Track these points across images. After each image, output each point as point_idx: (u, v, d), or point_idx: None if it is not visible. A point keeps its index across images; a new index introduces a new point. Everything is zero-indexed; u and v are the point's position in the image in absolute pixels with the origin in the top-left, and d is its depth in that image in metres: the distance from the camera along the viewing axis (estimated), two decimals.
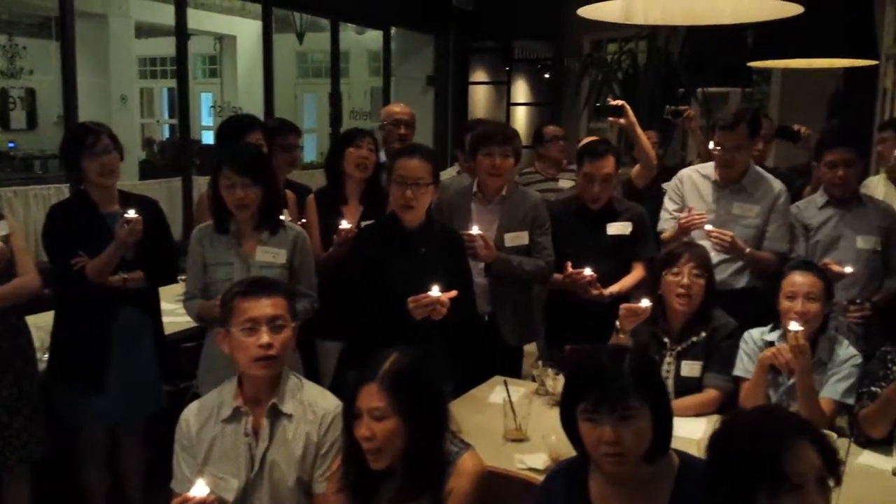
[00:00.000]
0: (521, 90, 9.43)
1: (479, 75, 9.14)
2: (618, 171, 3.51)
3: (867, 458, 2.44)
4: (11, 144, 9.38)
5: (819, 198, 3.51)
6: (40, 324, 3.19)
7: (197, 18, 9.15)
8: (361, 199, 3.53)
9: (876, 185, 3.88)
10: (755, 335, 2.82)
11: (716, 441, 1.57)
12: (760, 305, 2.96)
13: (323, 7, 7.41)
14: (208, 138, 10.27)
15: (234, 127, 3.57)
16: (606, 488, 1.80)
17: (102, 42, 8.74)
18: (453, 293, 2.68)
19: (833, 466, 1.51)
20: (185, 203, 5.88)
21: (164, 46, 9.93)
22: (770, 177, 3.54)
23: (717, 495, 1.53)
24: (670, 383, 2.81)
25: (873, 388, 2.55)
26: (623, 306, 2.83)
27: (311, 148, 10.97)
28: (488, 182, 3.31)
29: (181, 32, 5.90)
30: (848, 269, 3.23)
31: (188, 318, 3.04)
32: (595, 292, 3.31)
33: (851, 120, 6.00)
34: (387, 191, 3.09)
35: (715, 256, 3.20)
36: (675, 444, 1.81)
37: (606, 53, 7.82)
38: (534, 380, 3.04)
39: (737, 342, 2.84)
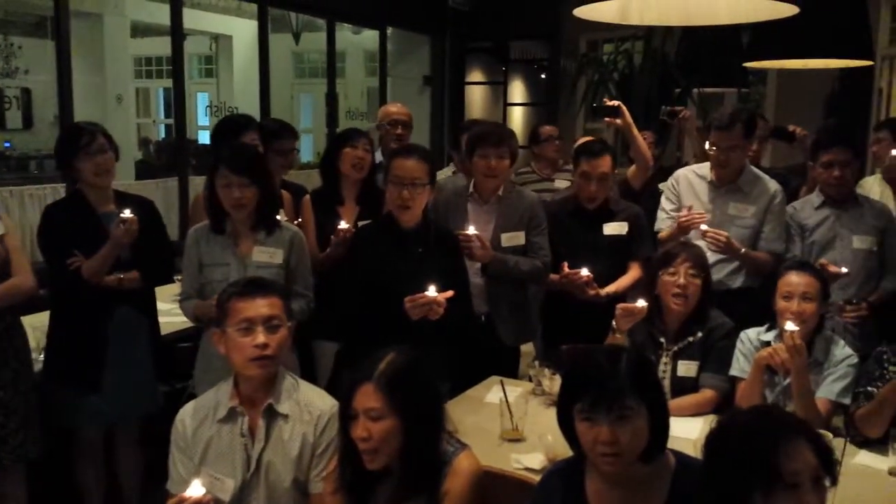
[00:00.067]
0: (517, 90, 9.44)
1: (476, 75, 9.14)
2: (614, 171, 3.51)
3: (863, 458, 2.45)
4: (7, 144, 9.36)
5: (815, 198, 3.52)
6: (36, 324, 3.19)
7: (193, 18, 9.14)
8: (357, 200, 3.53)
9: (871, 186, 3.89)
10: (751, 335, 2.83)
11: (712, 441, 1.58)
12: (757, 305, 2.97)
13: (319, 7, 7.40)
14: (204, 138, 10.24)
15: (229, 127, 3.57)
16: (603, 488, 1.80)
17: (98, 42, 8.72)
18: (450, 293, 2.68)
19: (829, 466, 1.51)
20: (182, 203, 5.87)
21: (160, 46, 9.92)
22: (766, 177, 3.54)
23: (713, 495, 1.53)
24: (667, 383, 2.82)
25: (869, 388, 2.56)
26: (619, 306, 2.83)
27: (308, 148, 10.96)
28: (484, 183, 3.31)
29: (177, 32, 5.89)
30: (844, 270, 3.24)
31: (184, 319, 3.04)
32: (592, 292, 3.31)
33: (847, 120, 6.02)
34: (383, 191, 3.09)
35: (711, 256, 3.20)
36: (671, 444, 1.82)
37: (602, 54, 7.83)
38: (530, 380, 3.04)
39: (733, 342, 2.84)
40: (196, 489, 1.86)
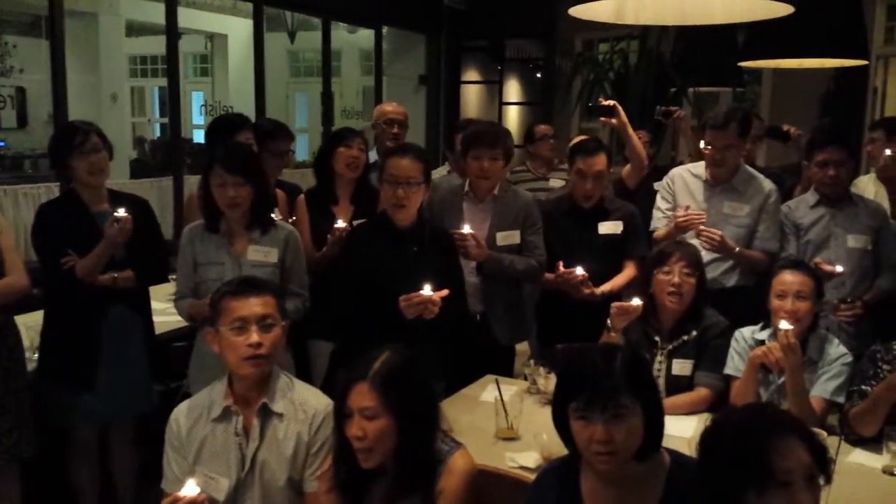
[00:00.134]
0: (513, 89, 9.44)
1: (471, 75, 9.14)
2: (609, 170, 3.52)
3: (857, 457, 2.45)
4: (1, 143, 9.33)
5: (810, 197, 3.52)
6: (30, 323, 3.18)
7: (188, 17, 9.12)
8: (352, 199, 3.53)
9: (866, 185, 3.89)
10: (746, 334, 2.83)
11: (706, 439, 1.58)
12: (751, 304, 2.97)
13: (314, 6, 7.40)
14: (199, 137, 10.21)
15: (224, 126, 3.56)
16: (598, 487, 1.80)
17: (93, 41, 8.70)
18: (445, 292, 2.67)
19: (823, 465, 1.51)
20: (177, 202, 5.86)
21: (155, 45, 9.89)
22: (760, 176, 3.55)
23: (708, 493, 1.53)
24: (661, 382, 2.82)
25: (863, 387, 2.56)
26: (614, 305, 2.83)
27: (303, 147, 10.94)
28: (478, 183, 3.31)
29: (172, 31, 5.88)
30: (839, 269, 3.24)
31: (179, 318, 3.04)
32: (587, 291, 3.31)
33: (842, 120, 6.03)
34: (378, 190, 3.09)
35: (706, 255, 3.21)
36: (666, 443, 1.82)
37: (598, 53, 7.83)
38: (525, 378, 3.04)
39: (728, 341, 2.84)
40: (191, 489, 1.85)
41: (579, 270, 3.28)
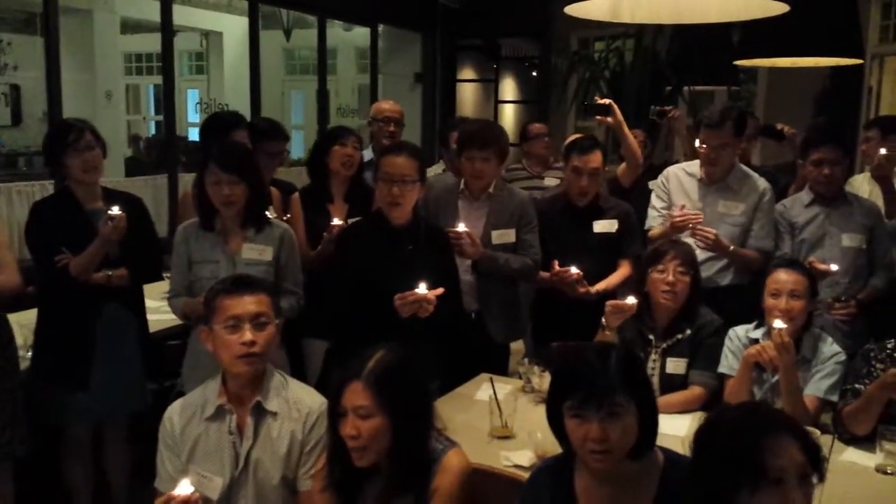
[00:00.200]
0: (508, 88, 9.44)
1: (467, 73, 9.14)
2: (604, 169, 3.52)
3: (851, 455, 2.46)
4: None
5: (805, 196, 3.53)
6: (24, 321, 3.17)
7: (183, 14, 9.09)
8: (346, 197, 3.52)
9: (861, 184, 3.90)
10: (740, 332, 2.84)
11: (700, 437, 1.58)
12: (745, 303, 2.98)
13: (310, 4, 7.38)
14: (194, 135, 10.15)
15: (218, 125, 3.55)
16: (592, 485, 1.80)
17: (88, 38, 8.66)
18: (440, 290, 2.67)
19: (816, 463, 1.51)
20: (172, 200, 5.84)
21: (150, 43, 9.86)
22: (755, 175, 3.56)
23: (702, 491, 1.53)
24: (655, 380, 2.82)
25: (857, 386, 2.57)
26: (609, 303, 2.84)
27: (299, 145, 10.92)
28: (472, 183, 3.32)
29: (167, 28, 5.87)
30: (833, 267, 3.25)
31: (173, 316, 3.03)
32: (582, 290, 3.31)
33: (837, 118, 6.04)
34: (372, 188, 3.08)
35: (700, 254, 3.21)
36: (660, 441, 1.82)
37: (594, 51, 7.83)
38: (520, 377, 3.04)
39: (722, 339, 2.85)
40: (184, 488, 1.85)
41: (574, 269, 3.28)
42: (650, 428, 1.76)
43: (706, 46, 6.18)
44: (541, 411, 1.86)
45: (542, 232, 3.38)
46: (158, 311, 3.51)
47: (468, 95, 9.16)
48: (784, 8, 2.87)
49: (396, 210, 2.85)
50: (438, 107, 8.61)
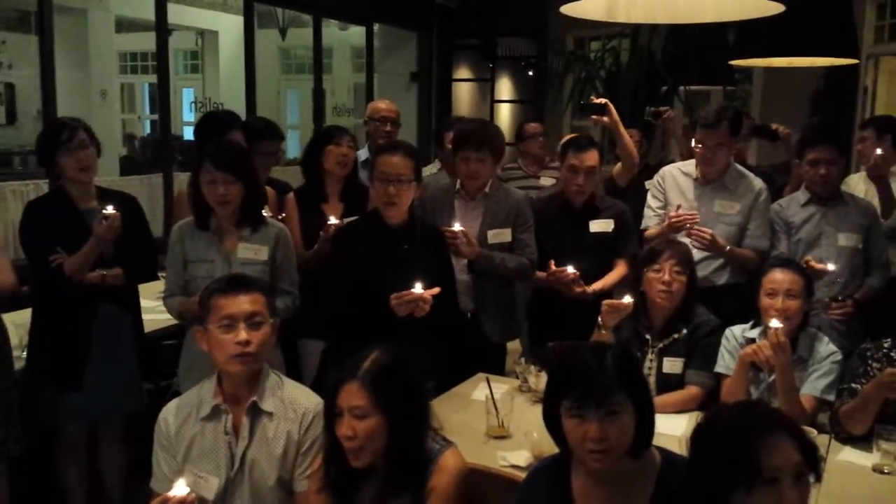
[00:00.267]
0: (504, 87, 9.43)
1: (463, 72, 9.13)
2: (600, 168, 3.52)
3: (847, 455, 2.46)
4: None
5: (801, 196, 3.53)
6: (18, 321, 3.16)
7: (178, 13, 9.05)
8: (341, 197, 3.51)
9: (856, 184, 3.91)
10: (736, 332, 2.83)
11: (696, 437, 1.58)
12: (742, 302, 2.98)
13: (305, 2, 7.37)
14: (190, 134, 10.15)
15: (213, 124, 3.54)
16: (588, 485, 1.80)
17: (82, 37, 8.65)
18: (436, 290, 2.67)
19: (813, 462, 1.51)
20: (167, 199, 5.84)
21: (145, 41, 9.84)
22: (751, 175, 3.56)
23: (699, 491, 1.53)
24: (652, 380, 2.82)
25: (853, 385, 2.57)
26: (605, 302, 2.83)
27: (295, 144, 10.90)
28: (468, 183, 3.31)
29: (162, 27, 5.85)
30: (830, 267, 3.26)
31: (168, 316, 3.02)
32: (578, 290, 3.31)
33: (832, 118, 6.05)
34: (367, 188, 3.08)
35: (696, 254, 3.21)
36: (657, 441, 1.82)
37: (590, 51, 7.84)
38: (516, 377, 3.04)
39: (718, 339, 2.85)
40: (180, 489, 1.84)
41: (571, 269, 3.28)
42: (647, 426, 1.76)
43: (702, 46, 6.19)
44: (537, 411, 1.86)
45: (539, 231, 3.38)
46: (154, 310, 3.50)
47: (464, 95, 9.16)
48: (779, 8, 2.87)
49: (392, 210, 2.84)
50: (434, 106, 8.61)
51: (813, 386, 2.66)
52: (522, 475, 2.09)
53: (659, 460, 1.81)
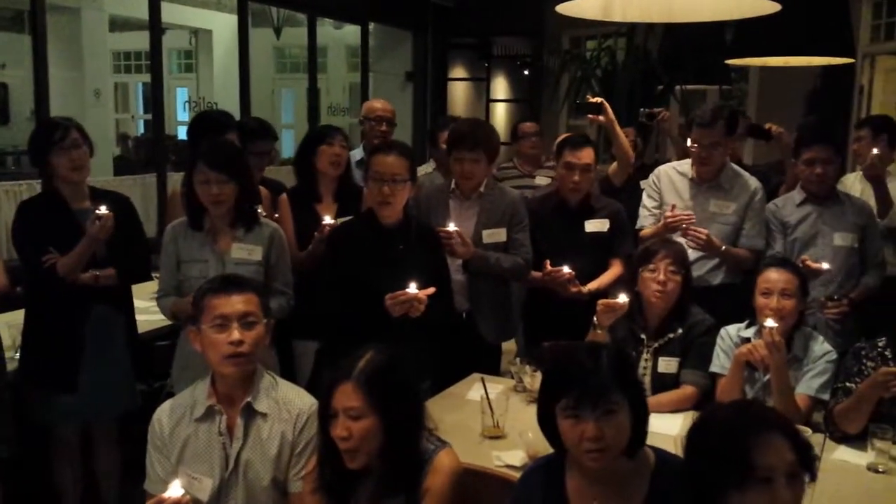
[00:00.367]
0: (500, 86, 9.42)
1: (459, 71, 9.12)
2: (596, 167, 3.51)
3: (842, 454, 2.46)
4: None
5: (797, 195, 3.53)
6: (11, 322, 3.15)
7: (172, 12, 9.02)
8: (335, 197, 3.50)
9: (852, 183, 3.91)
10: (731, 332, 2.83)
11: (692, 436, 1.58)
12: (737, 302, 2.98)
13: (300, 1, 7.36)
14: (184, 134, 10.11)
15: (207, 124, 3.53)
16: (583, 484, 1.79)
17: (76, 36, 8.61)
18: (431, 290, 2.66)
19: (807, 462, 1.51)
20: (160, 199, 5.82)
21: (139, 41, 9.80)
22: (746, 174, 3.56)
23: (693, 490, 1.53)
24: (647, 380, 2.82)
25: (848, 384, 2.57)
26: (600, 302, 2.83)
27: (289, 143, 10.89)
28: (462, 183, 3.31)
29: (155, 26, 5.83)
30: (825, 266, 3.25)
31: (162, 316, 3.01)
32: (573, 290, 3.31)
33: (828, 118, 6.05)
34: (361, 188, 3.06)
35: (691, 253, 3.21)
36: (652, 441, 1.82)
37: (585, 50, 7.83)
38: (512, 377, 3.03)
39: (713, 339, 2.85)
40: (175, 490, 1.84)
41: (566, 269, 3.28)
42: (641, 424, 1.76)
43: (698, 45, 6.17)
44: (532, 411, 1.85)
45: (534, 231, 3.37)
46: (147, 311, 3.49)
47: (459, 94, 9.15)
48: (776, 7, 2.87)
49: (387, 209, 2.83)
50: (429, 105, 8.59)
51: (808, 385, 2.66)
52: (517, 475, 2.09)
53: (653, 460, 1.80)
